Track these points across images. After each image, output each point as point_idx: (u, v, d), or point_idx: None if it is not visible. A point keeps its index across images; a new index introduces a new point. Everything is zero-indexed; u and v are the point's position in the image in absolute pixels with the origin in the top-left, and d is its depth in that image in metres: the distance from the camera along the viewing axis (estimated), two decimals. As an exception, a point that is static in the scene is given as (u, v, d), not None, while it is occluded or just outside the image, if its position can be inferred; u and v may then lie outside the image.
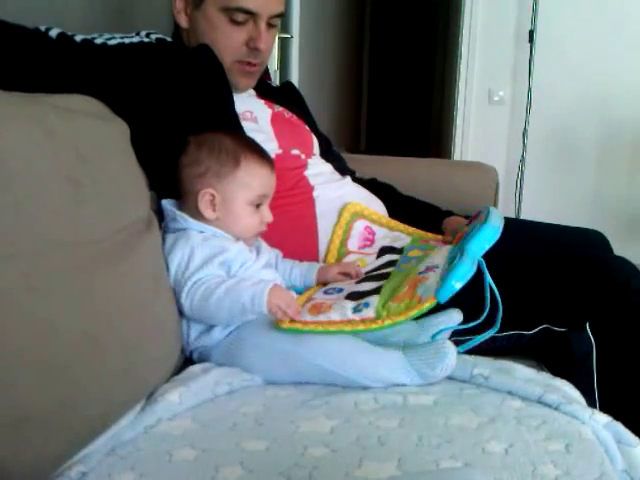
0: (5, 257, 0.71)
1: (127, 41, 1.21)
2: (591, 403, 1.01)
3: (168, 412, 0.87)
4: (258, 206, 1.09)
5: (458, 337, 1.03)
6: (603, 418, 0.88)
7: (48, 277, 0.75)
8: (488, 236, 0.99)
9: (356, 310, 0.97)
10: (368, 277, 1.10)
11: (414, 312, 0.92)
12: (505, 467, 0.75)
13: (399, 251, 1.20)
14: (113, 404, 0.83)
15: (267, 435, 0.82)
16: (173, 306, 1.01)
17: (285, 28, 2.76)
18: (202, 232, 1.06)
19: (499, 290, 0.96)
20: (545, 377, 0.99)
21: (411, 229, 1.31)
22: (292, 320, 0.97)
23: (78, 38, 1.14)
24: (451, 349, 0.93)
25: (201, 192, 1.06)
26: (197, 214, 1.07)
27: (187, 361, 1.05)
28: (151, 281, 0.96)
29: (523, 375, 0.98)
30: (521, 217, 3.07)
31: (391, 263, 1.15)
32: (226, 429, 0.84)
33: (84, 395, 0.77)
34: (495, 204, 1.80)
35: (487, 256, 0.98)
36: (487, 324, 0.96)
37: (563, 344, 1.12)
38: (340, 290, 1.07)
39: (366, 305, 0.97)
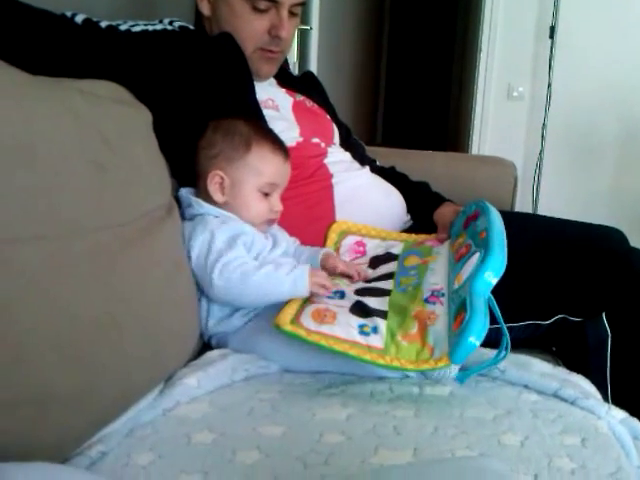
0: (30, 239, 0.72)
1: (150, 28, 1.22)
2: (603, 393, 1.01)
3: (186, 396, 0.88)
4: (267, 195, 1.10)
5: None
6: (619, 414, 0.88)
7: (71, 260, 0.76)
8: (494, 269, 0.93)
9: (362, 332, 0.93)
10: (368, 290, 1.05)
11: (426, 367, 0.89)
12: (521, 459, 0.75)
13: (394, 257, 1.17)
14: (133, 387, 0.84)
15: (283, 421, 0.83)
16: (192, 292, 1.02)
17: (305, 20, 2.76)
18: (217, 217, 1.07)
19: (517, 282, 0.96)
20: (562, 372, 0.99)
21: (404, 235, 1.29)
22: (293, 323, 0.93)
23: (103, 24, 1.15)
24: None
25: (210, 174, 1.07)
26: (209, 198, 1.08)
27: (205, 347, 1.06)
28: (171, 267, 0.97)
29: (539, 369, 0.98)
30: (538, 213, 3.05)
31: (389, 275, 1.11)
32: (243, 414, 0.85)
33: (105, 377, 0.78)
34: (513, 199, 1.79)
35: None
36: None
37: (578, 334, 1.12)
38: (342, 295, 1.03)
39: (374, 330, 0.93)
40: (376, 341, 0.92)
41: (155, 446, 0.77)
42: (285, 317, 0.94)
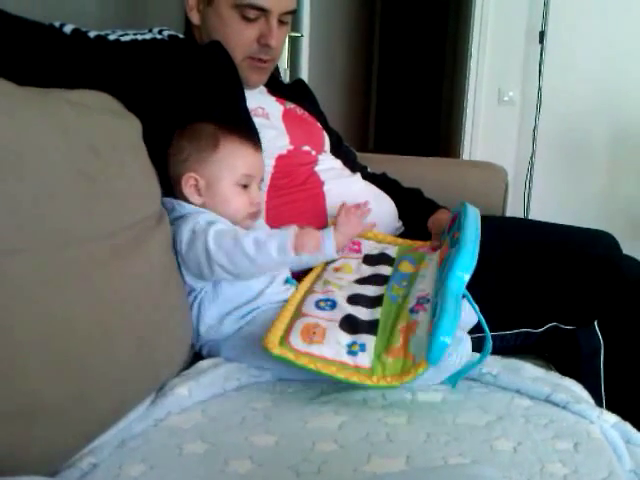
0: (19, 250, 0.71)
1: (140, 38, 1.22)
2: (597, 401, 1.01)
3: (178, 406, 0.87)
4: (245, 187, 1.09)
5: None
6: (611, 418, 0.88)
7: (62, 271, 0.76)
8: (465, 266, 0.94)
9: (350, 351, 0.93)
10: (360, 298, 1.05)
11: (409, 378, 0.89)
12: (513, 465, 0.75)
13: (389, 259, 1.18)
14: (125, 397, 0.84)
15: (276, 430, 0.82)
16: (183, 301, 1.02)
17: (295, 27, 2.76)
18: (202, 214, 1.06)
19: (507, 289, 0.96)
20: (554, 376, 0.99)
21: (400, 240, 1.29)
22: (282, 344, 0.92)
23: (92, 34, 1.15)
24: (465, 337, 0.91)
25: (184, 177, 1.07)
26: (188, 202, 1.08)
27: (196, 356, 1.06)
28: (162, 276, 0.97)
29: (531, 374, 0.98)
30: (529, 217, 3.06)
31: (384, 279, 1.11)
32: (235, 423, 0.84)
33: (96, 388, 0.78)
34: (504, 204, 1.80)
35: (496, 255, 0.97)
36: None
37: (571, 342, 1.12)
38: (333, 305, 1.02)
39: (362, 348, 0.93)
40: (364, 360, 0.92)
41: (147, 457, 0.76)
42: (274, 337, 0.93)
